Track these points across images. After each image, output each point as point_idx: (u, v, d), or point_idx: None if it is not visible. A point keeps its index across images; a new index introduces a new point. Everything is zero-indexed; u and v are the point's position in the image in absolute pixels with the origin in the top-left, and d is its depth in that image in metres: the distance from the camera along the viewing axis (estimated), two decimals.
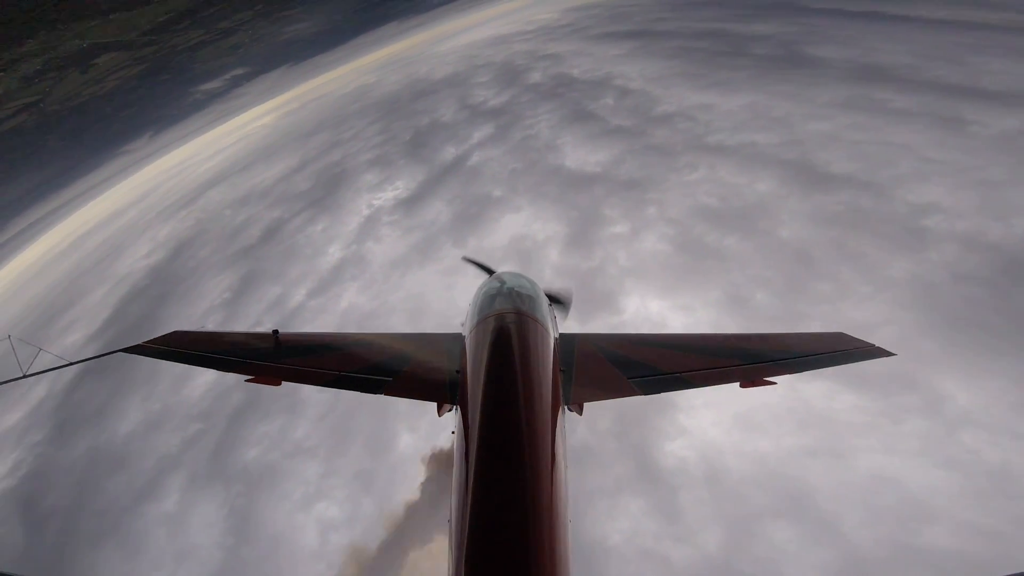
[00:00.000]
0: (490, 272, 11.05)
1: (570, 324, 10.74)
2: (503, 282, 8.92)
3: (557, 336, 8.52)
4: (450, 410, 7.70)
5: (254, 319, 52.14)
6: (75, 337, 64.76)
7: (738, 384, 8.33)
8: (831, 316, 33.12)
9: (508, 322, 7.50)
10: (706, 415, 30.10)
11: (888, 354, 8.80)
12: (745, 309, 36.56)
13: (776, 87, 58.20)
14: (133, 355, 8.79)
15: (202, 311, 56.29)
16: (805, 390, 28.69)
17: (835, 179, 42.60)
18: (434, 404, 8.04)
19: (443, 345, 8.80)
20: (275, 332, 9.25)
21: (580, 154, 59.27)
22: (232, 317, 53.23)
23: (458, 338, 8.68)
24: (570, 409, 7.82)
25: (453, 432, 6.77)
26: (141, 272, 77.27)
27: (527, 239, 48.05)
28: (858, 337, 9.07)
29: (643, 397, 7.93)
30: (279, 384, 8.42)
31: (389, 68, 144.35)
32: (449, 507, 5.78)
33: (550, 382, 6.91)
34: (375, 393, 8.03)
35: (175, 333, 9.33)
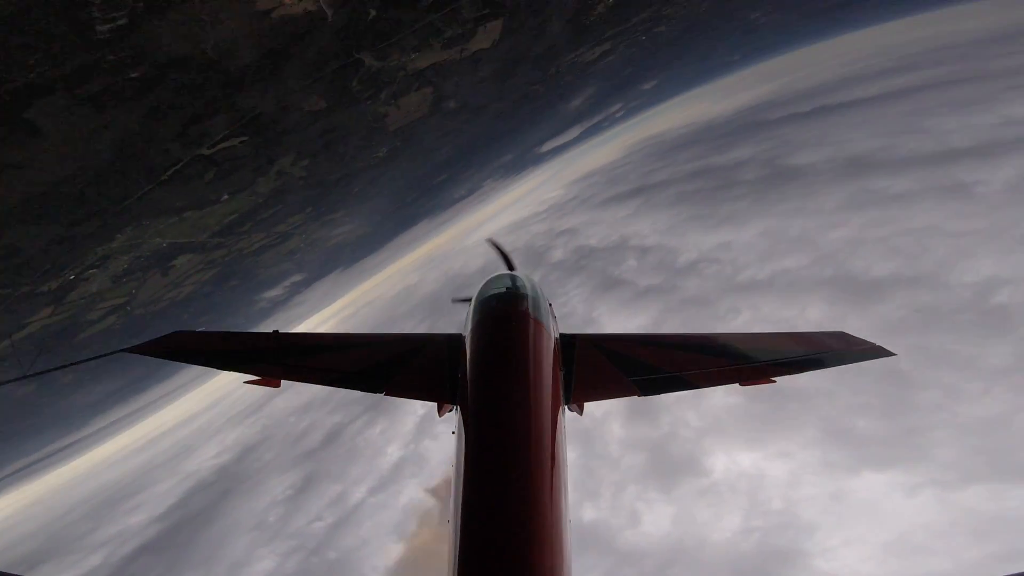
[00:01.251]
0: (510, 265, 11.19)
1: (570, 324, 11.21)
2: (503, 282, 8.86)
3: (557, 336, 8.37)
4: (451, 410, 7.71)
5: (314, 514, 52.04)
6: (138, 518, 65.99)
7: (738, 384, 8.21)
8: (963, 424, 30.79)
9: (508, 322, 7.53)
10: (848, 553, 26.63)
11: (889, 353, 8.59)
12: (852, 440, 34.38)
13: (780, 207, 61.38)
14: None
15: (264, 505, 57.87)
16: (963, 498, 25.59)
17: (882, 283, 42.28)
18: (435, 404, 8.11)
19: (444, 345, 8.77)
20: (275, 332, 9.36)
21: (619, 321, 60.97)
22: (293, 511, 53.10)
23: (458, 338, 8.57)
24: (570, 409, 7.90)
25: (454, 432, 6.77)
26: (209, 470, 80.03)
27: (585, 418, 48.32)
28: (859, 338, 8.86)
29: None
30: (279, 384, 8.53)
31: (428, 266, 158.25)
32: (449, 507, 5.77)
33: (550, 382, 6.91)
34: (376, 393, 8.12)
35: (176, 334, 9.38)
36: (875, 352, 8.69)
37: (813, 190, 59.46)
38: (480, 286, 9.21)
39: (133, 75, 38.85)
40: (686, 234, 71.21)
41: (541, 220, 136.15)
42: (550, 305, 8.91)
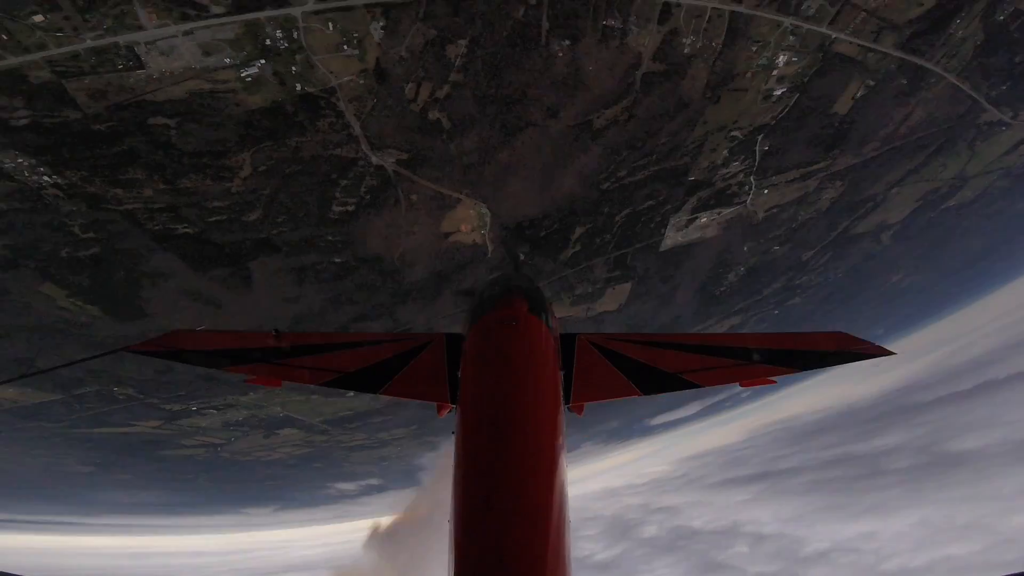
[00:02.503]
0: (517, 265, 9.75)
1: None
2: (504, 282, 8.70)
3: (557, 336, 8.17)
4: (451, 410, 7.60)
5: None
6: None
7: (739, 384, 8.17)
8: None
9: (508, 322, 7.33)
10: None
11: (888, 353, 8.58)
12: None
13: (941, 494, 50.64)
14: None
15: None
16: None
17: None
18: (434, 404, 7.99)
19: (443, 345, 8.59)
20: (275, 332, 9.02)
21: None
22: None
23: (458, 338, 8.43)
24: (570, 409, 7.88)
25: (453, 432, 6.54)
26: None
27: None
28: (858, 337, 8.63)
29: None
30: (279, 384, 8.41)
31: None
32: (449, 507, 5.56)
33: (550, 382, 6.87)
34: (375, 393, 8.01)
35: (175, 332, 9.10)
36: (875, 352, 8.67)
37: (985, 475, 49.06)
38: (480, 286, 9.45)
39: (337, 260, 51.33)
40: (816, 524, 60.01)
41: (638, 493, 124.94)
42: (550, 306, 8.83)
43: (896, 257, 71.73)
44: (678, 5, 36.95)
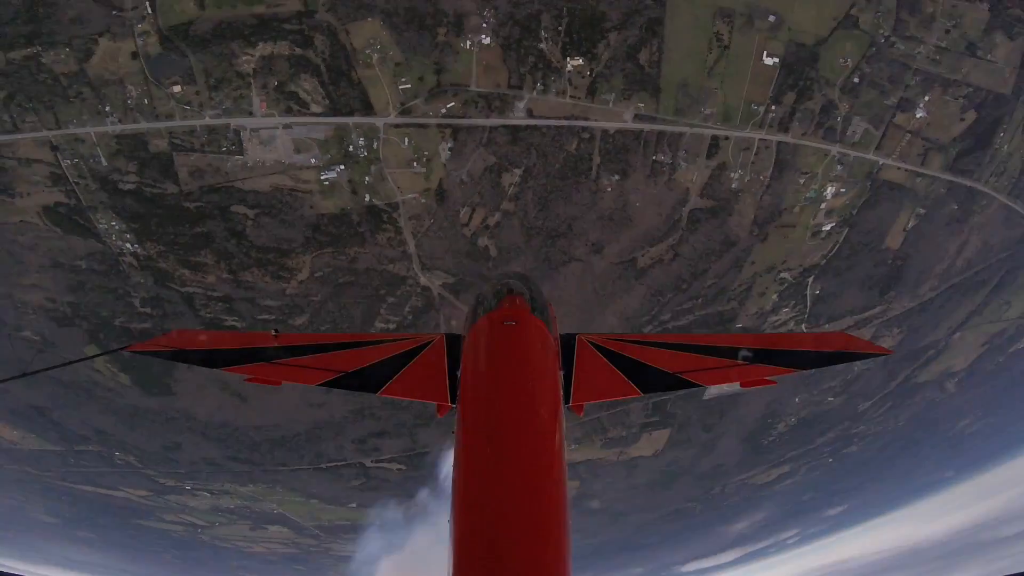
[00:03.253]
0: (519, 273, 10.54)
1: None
2: (504, 282, 8.75)
3: (557, 336, 8.32)
4: (450, 410, 7.68)
5: None
6: None
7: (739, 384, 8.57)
8: None
9: (508, 323, 7.44)
10: None
11: (887, 352, 9.17)
12: None
13: None
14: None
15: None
16: None
17: None
18: (434, 404, 8.07)
19: (443, 345, 8.67)
20: (275, 332, 9.14)
21: None
22: None
23: (458, 339, 8.57)
24: (570, 409, 7.96)
25: (453, 432, 6.61)
26: None
27: None
28: (858, 338, 9.68)
29: None
30: (279, 384, 8.70)
31: None
32: (449, 507, 5.60)
33: (550, 382, 6.97)
34: (374, 392, 8.25)
35: (176, 332, 9.79)
36: (874, 352, 9.01)
37: None
38: (480, 287, 9.51)
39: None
40: None
41: None
42: (550, 306, 8.95)
43: (963, 405, 66.27)
44: (726, 138, 39.84)
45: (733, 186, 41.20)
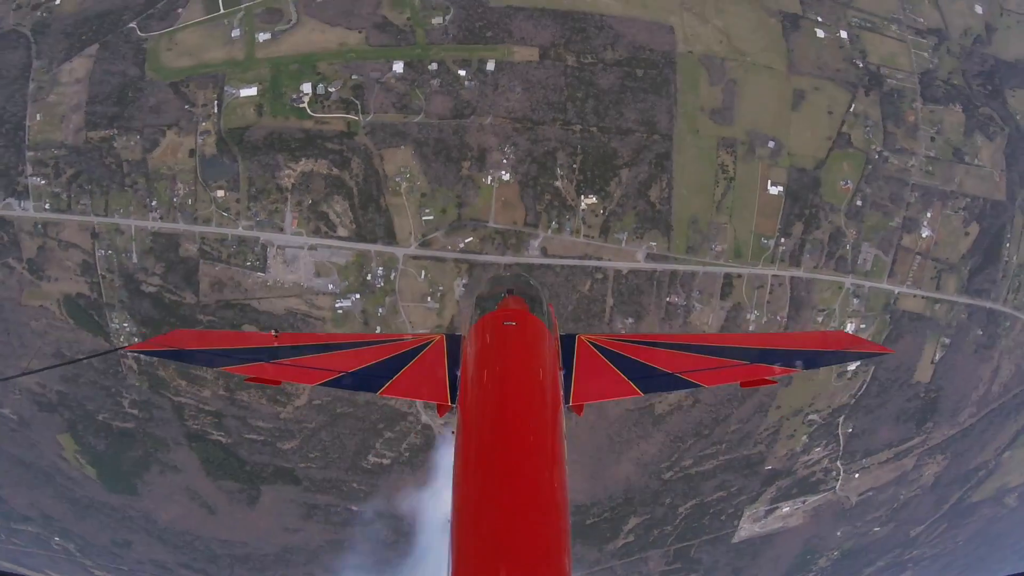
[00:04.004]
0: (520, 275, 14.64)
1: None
2: (504, 283, 9.14)
3: (557, 336, 8.40)
4: (450, 410, 7.67)
5: None
6: None
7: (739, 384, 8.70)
8: None
9: (508, 323, 7.55)
10: None
11: (887, 351, 10.27)
12: None
13: None
14: None
15: None
16: None
17: None
18: (434, 404, 8.08)
19: (443, 345, 8.70)
20: (275, 332, 9.12)
21: None
22: None
23: (458, 338, 8.67)
24: (570, 409, 7.86)
25: (453, 432, 6.56)
26: None
27: None
28: (856, 336, 11.68)
29: None
30: (279, 384, 10.64)
31: None
32: (449, 506, 5.55)
33: (550, 382, 6.94)
34: (374, 392, 8.21)
35: (176, 332, 10.39)
36: (874, 351, 9.64)
37: None
38: (480, 287, 10.18)
39: (354, 507, 44.84)
40: None
41: None
42: (550, 306, 9.06)
43: None
44: (739, 276, 39.61)
45: (751, 328, 40.41)
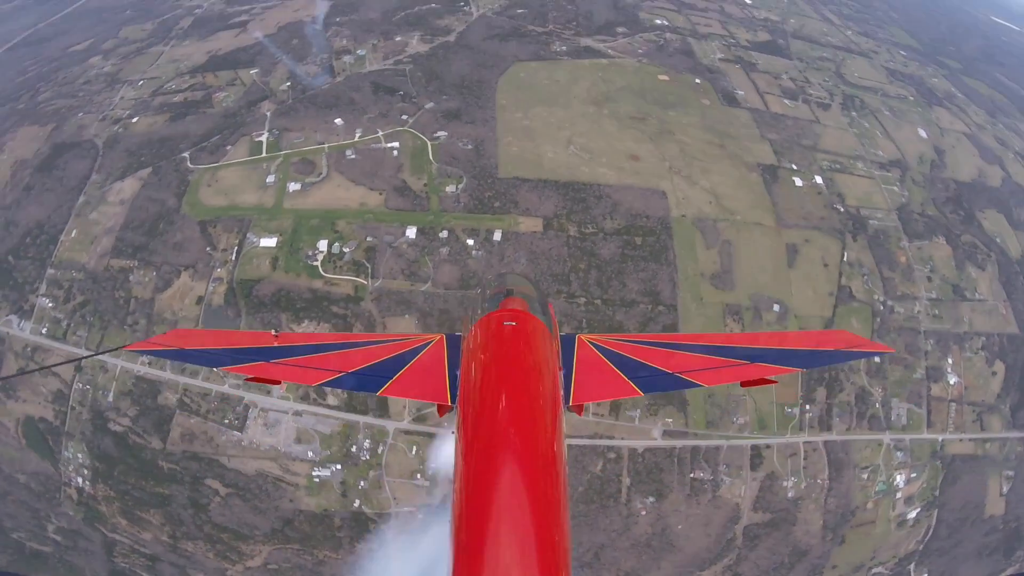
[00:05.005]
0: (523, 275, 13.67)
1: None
2: (503, 283, 8.97)
3: (557, 336, 8.40)
4: (450, 410, 7.69)
5: None
6: None
7: (739, 384, 8.56)
8: None
9: (508, 323, 7.50)
10: None
11: (887, 351, 10.92)
12: None
13: None
14: None
15: None
16: None
17: None
18: (434, 404, 8.16)
19: (443, 345, 8.80)
20: (275, 332, 9.20)
21: None
22: None
23: (458, 338, 8.72)
24: (570, 410, 7.95)
25: (454, 432, 6.60)
26: None
27: None
28: (857, 335, 9.12)
29: None
30: (279, 384, 9.39)
31: None
32: (450, 506, 5.60)
33: (550, 382, 6.93)
34: (374, 392, 8.22)
35: (176, 331, 9.96)
36: (874, 350, 10.00)
37: None
38: (480, 287, 9.65)
39: None
40: None
41: None
42: (550, 306, 9.13)
43: None
44: (768, 446, 36.47)
45: (789, 495, 36.57)
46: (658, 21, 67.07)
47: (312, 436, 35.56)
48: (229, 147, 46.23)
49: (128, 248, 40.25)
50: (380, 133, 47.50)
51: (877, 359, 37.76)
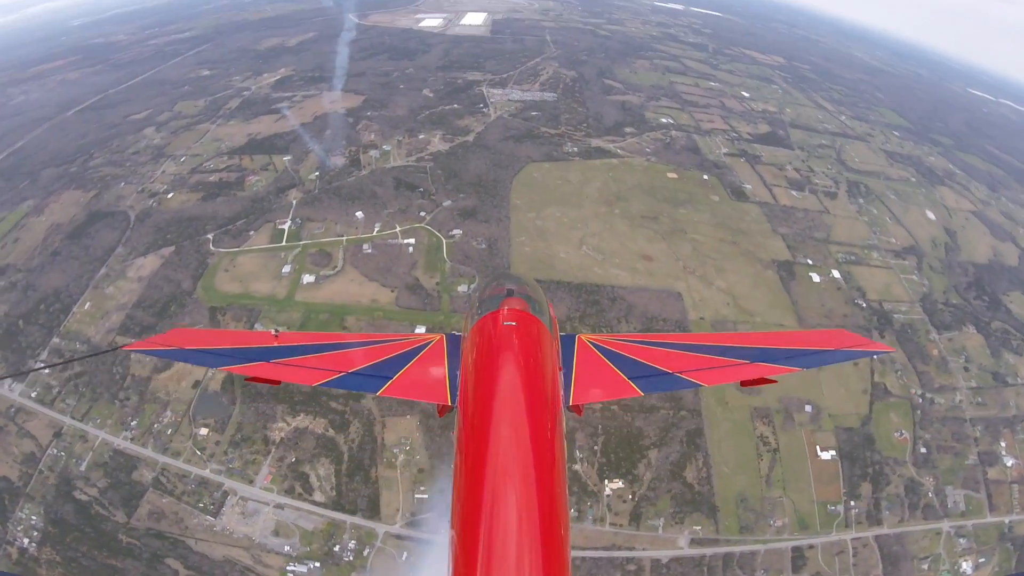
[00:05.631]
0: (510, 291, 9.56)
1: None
2: (503, 283, 8.83)
3: (557, 337, 8.34)
4: (450, 410, 7.60)
5: None
6: None
7: (739, 384, 8.35)
8: None
9: (508, 323, 7.47)
10: None
11: (888, 350, 11.07)
12: None
13: None
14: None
15: None
16: None
17: None
18: (434, 404, 7.99)
19: (443, 345, 8.73)
20: (275, 331, 9.18)
21: None
22: None
23: (458, 338, 8.63)
24: (570, 410, 7.76)
25: (453, 432, 6.58)
26: None
27: None
28: (857, 334, 8.96)
29: None
30: (279, 384, 8.48)
31: None
32: (450, 506, 5.57)
33: (550, 382, 6.92)
34: (374, 393, 8.04)
35: (176, 331, 9.30)
36: (874, 349, 9.47)
37: None
38: (480, 287, 9.72)
39: None
40: None
41: None
42: (550, 306, 9.01)
43: None
44: (811, 547, 31.94)
45: None
46: (663, 120, 71.55)
47: (292, 530, 32.45)
48: (252, 232, 47.78)
49: (136, 327, 40.23)
50: (398, 228, 48.91)
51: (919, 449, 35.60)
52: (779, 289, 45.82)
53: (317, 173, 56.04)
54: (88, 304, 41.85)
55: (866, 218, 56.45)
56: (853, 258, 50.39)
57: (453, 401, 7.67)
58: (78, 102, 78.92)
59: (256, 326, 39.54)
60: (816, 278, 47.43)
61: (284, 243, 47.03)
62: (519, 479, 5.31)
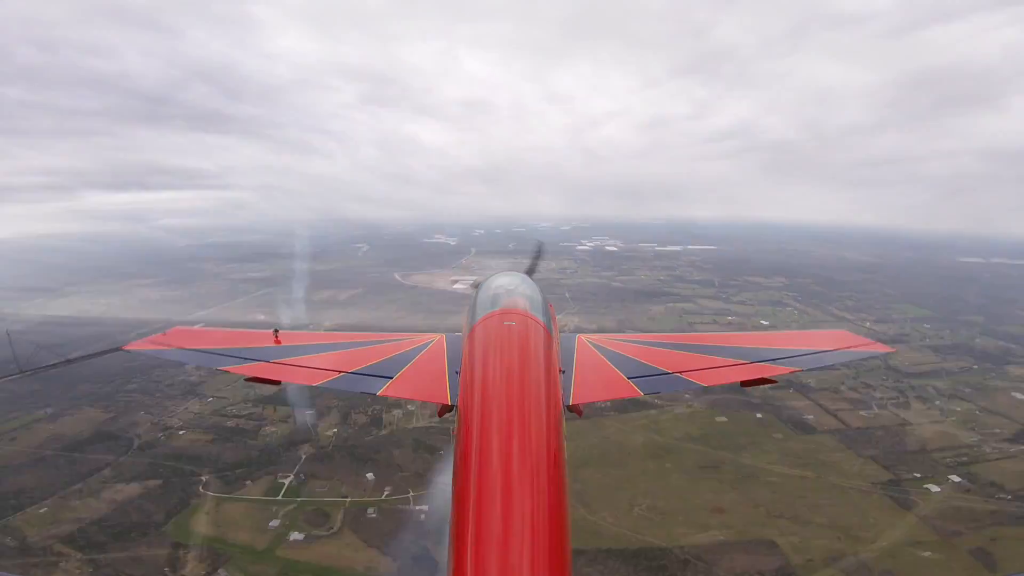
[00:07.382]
0: (530, 269, 10.72)
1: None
2: (503, 283, 8.95)
3: (557, 336, 8.41)
4: (450, 410, 7.52)
5: None
6: None
7: (739, 383, 8.36)
8: None
9: (508, 322, 7.52)
10: None
11: (887, 350, 9.83)
12: None
13: None
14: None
15: None
16: None
17: None
18: (434, 404, 7.95)
19: (443, 345, 8.92)
20: (275, 331, 9.41)
21: None
22: None
23: (458, 338, 8.80)
24: (570, 410, 7.63)
25: (453, 432, 6.59)
26: None
27: None
28: (858, 335, 9.11)
29: None
30: (279, 384, 8.41)
31: None
32: (449, 507, 5.52)
33: (550, 382, 6.86)
34: (374, 393, 8.00)
35: (175, 330, 9.54)
36: (874, 349, 9.28)
37: None
38: (480, 287, 9.62)
39: None
40: None
41: None
42: (550, 306, 9.07)
43: None
44: None
45: None
46: None
47: None
48: (249, 482, 44.97)
49: (82, 542, 34.90)
50: (411, 493, 45.09)
51: None
52: (894, 508, 40.06)
53: (335, 430, 55.57)
54: (44, 509, 37.80)
55: (953, 418, 52.17)
56: (965, 458, 45.41)
57: (453, 401, 7.56)
58: (146, 325, 79.82)
59: (219, 572, 34.24)
60: (935, 488, 41.95)
61: (280, 497, 43.16)
62: (519, 479, 5.24)
